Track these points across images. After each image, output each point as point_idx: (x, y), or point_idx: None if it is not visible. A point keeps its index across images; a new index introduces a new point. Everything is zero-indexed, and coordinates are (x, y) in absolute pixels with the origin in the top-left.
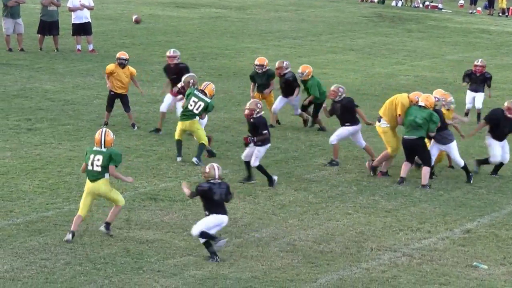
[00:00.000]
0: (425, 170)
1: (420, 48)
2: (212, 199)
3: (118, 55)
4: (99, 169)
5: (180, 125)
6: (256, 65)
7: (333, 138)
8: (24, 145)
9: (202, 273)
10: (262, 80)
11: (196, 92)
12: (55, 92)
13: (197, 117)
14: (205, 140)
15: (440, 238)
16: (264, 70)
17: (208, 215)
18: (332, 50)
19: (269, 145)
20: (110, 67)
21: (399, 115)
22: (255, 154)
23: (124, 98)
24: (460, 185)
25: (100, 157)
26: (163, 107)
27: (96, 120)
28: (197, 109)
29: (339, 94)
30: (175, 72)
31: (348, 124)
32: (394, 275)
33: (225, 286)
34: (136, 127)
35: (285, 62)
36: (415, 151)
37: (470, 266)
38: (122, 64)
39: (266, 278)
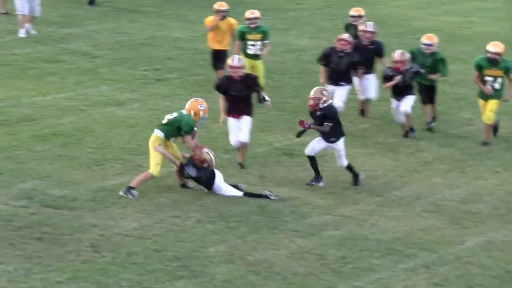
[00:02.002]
0: None
1: None
2: None
3: (217, 5)
4: (163, 121)
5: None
6: (352, 16)
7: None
8: (153, 96)
9: (341, 234)
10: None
11: None
12: (185, 40)
13: None
14: None
15: None
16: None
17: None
18: None
19: (344, 137)
20: (209, 19)
21: None
22: (337, 154)
23: (222, 54)
24: None
25: (175, 114)
26: None
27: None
28: None
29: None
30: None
31: None
32: None
33: (365, 248)
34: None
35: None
36: None
37: None
38: (223, 16)
39: (409, 239)
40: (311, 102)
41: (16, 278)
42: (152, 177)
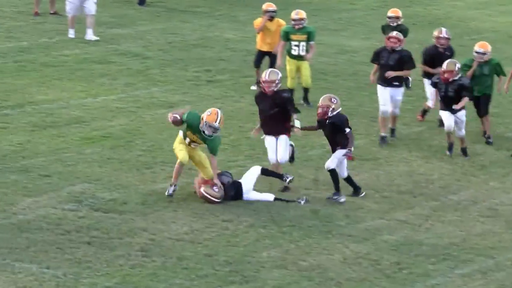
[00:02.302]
0: None
1: None
2: None
3: (265, 6)
4: None
5: None
6: (389, 17)
7: None
8: (204, 98)
9: (396, 238)
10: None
11: None
12: (237, 41)
13: None
14: None
15: None
16: (397, 23)
17: None
18: None
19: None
20: (258, 20)
21: None
22: (342, 163)
23: (271, 56)
24: None
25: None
26: None
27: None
28: None
29: None
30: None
31: None
32: None
33: (421, 253)
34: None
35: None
36: None
37: None
38: (271, 16)
39: (465, 244)
40: (319, 111)
41: (64, 283)
42: (182, 164)
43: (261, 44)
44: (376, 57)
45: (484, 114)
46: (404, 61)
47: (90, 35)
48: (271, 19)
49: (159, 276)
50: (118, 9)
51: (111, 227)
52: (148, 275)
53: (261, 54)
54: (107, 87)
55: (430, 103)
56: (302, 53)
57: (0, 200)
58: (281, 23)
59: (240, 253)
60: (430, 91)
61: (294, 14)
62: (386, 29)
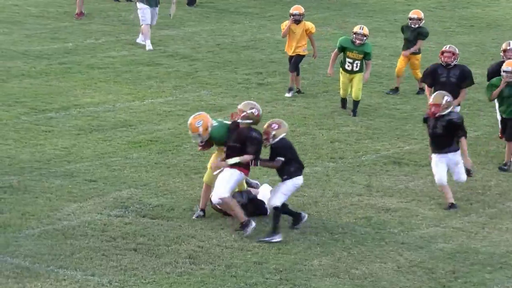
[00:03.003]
0: None
1: None
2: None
3: (291, 9)
4: None
5: None
6: (410, 18)
7: None
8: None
9: (451, 247)
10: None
11: None
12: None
13: None
14: None
15: None
16: (418, 25)
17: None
18: None
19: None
20: (284, 24)
21: None
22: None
23: (297, 58)
24: None
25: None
26: None
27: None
28: None
29: None
30: None
31: None
32: None
33: (477, 262)
34: (291, 94)
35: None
36: None
37: None
38: (297, 20)
39: None
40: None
41: None
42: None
43: (287, 48)
44: (431, 76)
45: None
46: (465, 76)
47: (141, 39)
48: (295, 22)
49: (207, 284)
50: (167, 10)
51: (158, 233)
52: (196, 283)
53: (291, 59)
54: (155, 90)
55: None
56: (356, 69)
57: (44, 206)
58: (307, 26)
59: (291, 261)
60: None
61: (358, 28)
62: (406, 30)
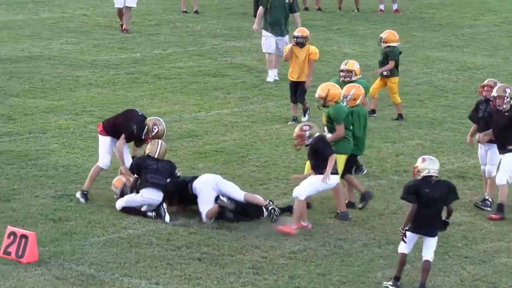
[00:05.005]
0: None
1: None
2: None
3: (295, 32)
4: None
5: None
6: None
7: None
8: (320, 113)
9: None
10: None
11: None
12: (355, 56)
13: None
14: None
15: None
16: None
17: None
18: None
19: None
20: (287, 47)
21: None
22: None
23: (300, 86)
24: None
25: None
26: None
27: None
28: None
29: None
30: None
31: None
32: None
33: None
34: (306, 117)
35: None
36: None
37: None
38: (299, 43)
39: None
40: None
41: None
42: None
43: (291, 74)
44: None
45: None
46: None
47: (272, 76)
48: (299, 45)
49: None
50: (234, 22)
51: (222, 243)
52: None
53: (292, 85)
54: (221, 101)
55: None
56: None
57: (110, 214)
58: (311, 51)
59: (354, 273)
60: None
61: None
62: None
